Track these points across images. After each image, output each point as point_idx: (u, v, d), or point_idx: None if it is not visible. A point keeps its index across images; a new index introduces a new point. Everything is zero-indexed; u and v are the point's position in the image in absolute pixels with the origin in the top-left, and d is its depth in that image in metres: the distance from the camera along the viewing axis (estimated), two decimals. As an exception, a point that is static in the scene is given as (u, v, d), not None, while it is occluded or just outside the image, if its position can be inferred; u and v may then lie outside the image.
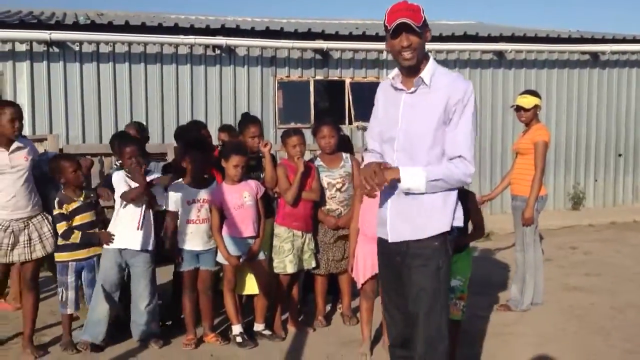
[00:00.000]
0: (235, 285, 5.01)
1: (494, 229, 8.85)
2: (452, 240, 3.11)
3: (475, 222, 4.28)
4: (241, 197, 4.87)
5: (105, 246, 4.77)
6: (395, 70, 3.19)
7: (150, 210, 4.85)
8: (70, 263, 4.75)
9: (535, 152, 5.53)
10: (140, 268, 4.84)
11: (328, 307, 5.71)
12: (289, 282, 5.22)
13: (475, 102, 3.06)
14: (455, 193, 3.10)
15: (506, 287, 6.27)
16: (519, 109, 5.66)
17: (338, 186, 5.21)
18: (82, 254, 4.78)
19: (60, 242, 4.74)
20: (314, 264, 5.23)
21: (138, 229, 4.74)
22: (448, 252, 3.10)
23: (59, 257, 4.76)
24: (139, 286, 4.85)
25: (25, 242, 4.64)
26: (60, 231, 4.70)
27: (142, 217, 4.76)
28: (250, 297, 5.25)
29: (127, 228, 4.76)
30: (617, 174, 12.14)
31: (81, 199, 4.78)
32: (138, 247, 4.77)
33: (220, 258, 4.92)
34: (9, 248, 4.59)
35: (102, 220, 4.99)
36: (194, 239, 4.92)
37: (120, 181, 4.83)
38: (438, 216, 3.05)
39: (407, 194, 3.05)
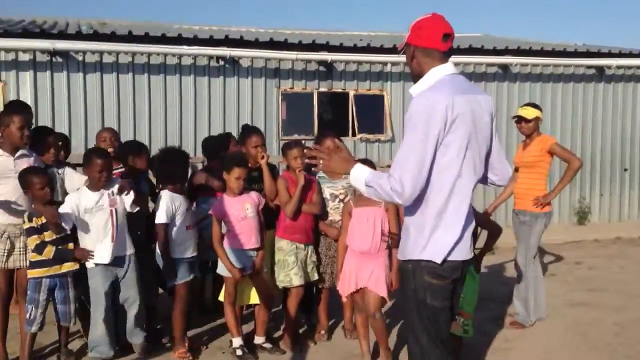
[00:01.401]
0: (235, 298, 4.96)
1: (498, 243, 8.75)
2: (430, 268, 2.90)
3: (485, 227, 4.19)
4: (243, 208, 4.83)
5: (89, 265, 4.59)
6: None
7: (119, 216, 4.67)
8: (43, 280, 4.55)
9: (559, 153, 5.57)
10: (129, 276, 4.72)
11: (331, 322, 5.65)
12: (300, 294, 5.09)
13: (417, 119, 2.81)
14: (429, 225, 2.89)
15: (509, 302, 6.19)
16: (520, 120, 5.63)
17: (341, 197, 5.17)
18: (55, 269, 4.58)
19: (33, 257, 4.54)
20: (316, 277, 5.17)
21: (112, 240, 4.59)
22: (423, 279, 2.92)
23: (32, 273, 4.54)
24: (130, 294, 4.74)
25: (21, 249, 4.59)
26: (32, 245, 4.49)
27: (114, 229, 4.60)
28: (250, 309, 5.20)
29: (99, 242, 4.57)
30: (623, 189, 12.05)
31: None
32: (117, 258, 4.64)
33: (222, 270, 4.87)
34: (5, 254, 4.54)
35: (75, 236, 4.64)
36: (192, 246, 4.94)
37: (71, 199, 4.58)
38: (410, 242, 2.97)
39: (406, 214, 3.03)
